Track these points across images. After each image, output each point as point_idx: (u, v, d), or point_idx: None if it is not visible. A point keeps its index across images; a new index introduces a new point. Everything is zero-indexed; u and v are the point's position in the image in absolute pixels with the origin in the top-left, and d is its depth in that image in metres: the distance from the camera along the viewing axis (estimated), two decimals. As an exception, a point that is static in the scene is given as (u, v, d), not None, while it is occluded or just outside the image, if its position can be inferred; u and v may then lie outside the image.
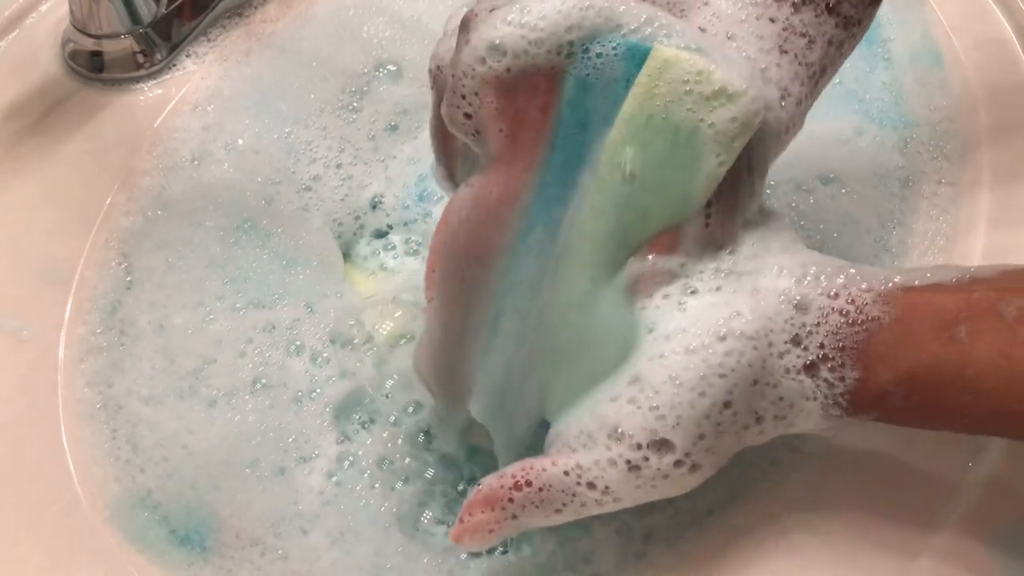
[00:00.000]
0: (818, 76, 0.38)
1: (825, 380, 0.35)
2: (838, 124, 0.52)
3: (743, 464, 0.42)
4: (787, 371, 0.35)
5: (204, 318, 0.47)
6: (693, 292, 0.35)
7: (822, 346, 0.35)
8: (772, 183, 0.51)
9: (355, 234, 0.53)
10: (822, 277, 0.35)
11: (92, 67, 0.53)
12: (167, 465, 0.43)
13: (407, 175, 0.53)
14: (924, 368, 0.34)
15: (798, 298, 0.35)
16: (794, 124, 0.38)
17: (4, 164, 0.50)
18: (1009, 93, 0.51)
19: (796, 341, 0.35)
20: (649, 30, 0.35)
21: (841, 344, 0.35)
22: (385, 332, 0.47)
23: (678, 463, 0.35)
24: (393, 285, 0.50)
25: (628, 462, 0.35)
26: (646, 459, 0.34)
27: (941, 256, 0.48)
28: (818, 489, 0.41)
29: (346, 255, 0.52)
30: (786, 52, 0.37)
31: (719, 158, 0.35)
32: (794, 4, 0.37)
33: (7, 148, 0.50)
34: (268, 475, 0.43)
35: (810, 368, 0.35)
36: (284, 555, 0.42)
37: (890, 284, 0.35)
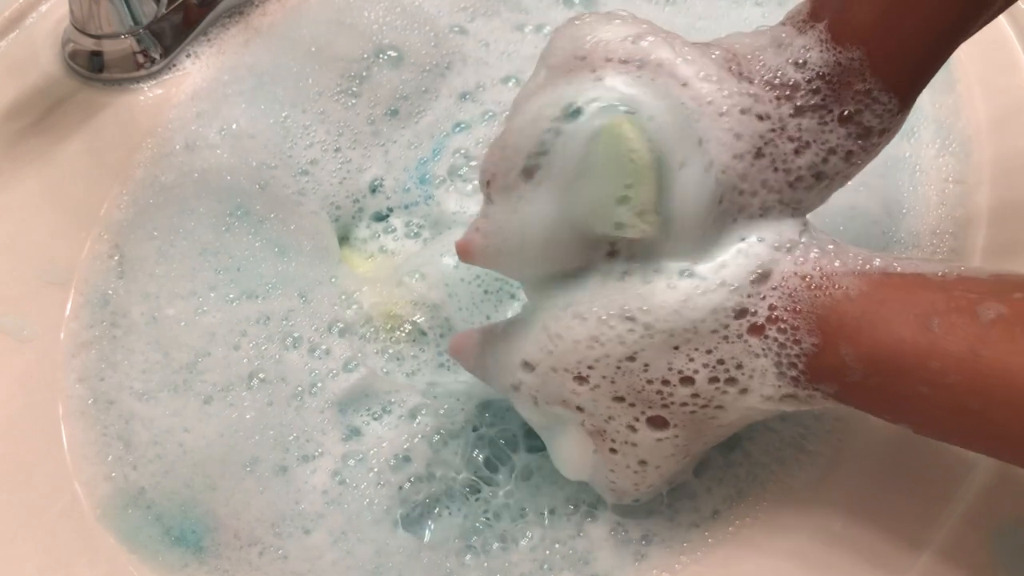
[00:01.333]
0: (811, 183, 0.37)
1: (775, 340, 0.35)
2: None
3: (749, 464, 0.42)
4: (725, 337, 0.35)
5: (197, 309, 0.47)
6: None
7: (772, 307, 0.35)
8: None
9: (354, 217, 0.52)
10: (797, 249, 0.35)
11: (92, 67, 0.53)
12: (161, 463, 0.43)
13: (407, 159, 0.53)
14: (888, 349, 0.33)
15: (760, 270, 0.35)
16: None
17: (4, 164, 0.50)
18: (1010, 93, 0.51)
19: (742, 311, 0.35)
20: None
21: (794, 306, 0.34)
22: (386, 314, 0.47)
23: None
24: (393, 267, 0.50)
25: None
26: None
27: (945, 253, 0.47)
28: (819, 489, 0.40)
29: (344, 238, 0.52)
30: (762, 156, 0.36)
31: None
32: (797, 107, 0.36)
33: (7, 148, 0.50)
34: (268, 474, 0.43)
35: (755, 330, 0.35)
36: (284, 555, 0.42)
37: (868, 265, 0.35)
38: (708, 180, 0.35)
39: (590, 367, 0.36)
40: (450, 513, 0.43)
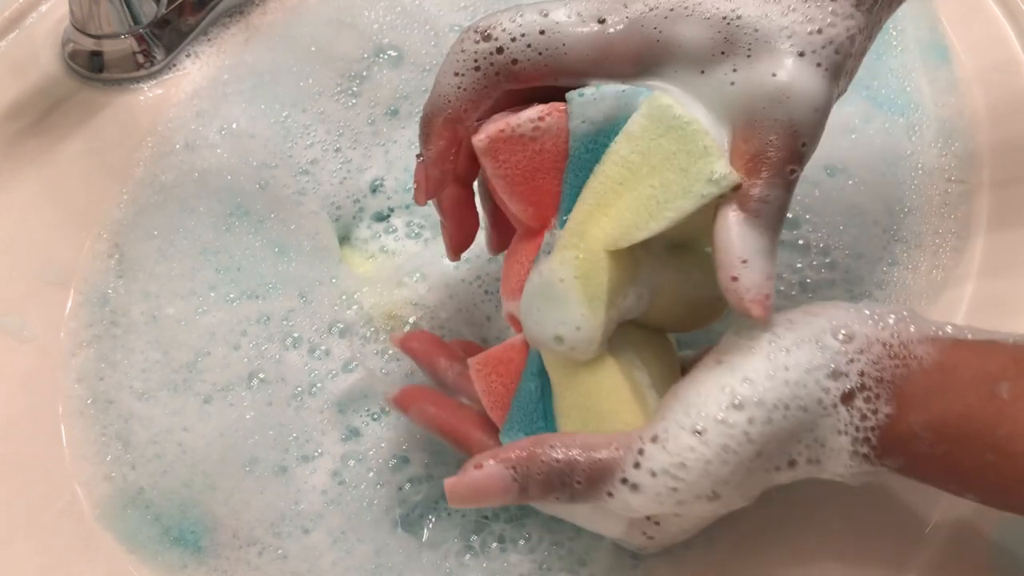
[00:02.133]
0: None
1: (859, 410, 0.34)
2: (845, 112, 0.51)
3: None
4: (824, 408, 0.34)
5: (197, 309, 0.47)
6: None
7: (862, 374, 0.34)
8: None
9: (354, 217, 0.52)
10: (874, 313, 0.35)
11: (92, 67, 0.53)
12: (160, 463, 0.43)
13: (408, 159, 0.53)
14: (956, 416, 0.33)
15: (844, 331, 0.34)
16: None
17: (4, 164, 0.50)
18: (1010, 93, 0.51)
19: (836, 374, 0.34)
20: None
21: (879, 375, 0.34)
22: (386, 314, 0.47)
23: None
24: (394, 267, 0.50)
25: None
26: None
27: (948, 252, 0.47)
28: (818, 490, 0.40)
29: (345, 238, 0.52)
30: None
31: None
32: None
33: (7, 148, 0.50)
34: (268, 474, 0.43)
35: (847, 397, 0.34)
36: (283, 555, 0.42)
37: (940, 332, 0.35)
38: None
39: (725, 481, 0.34)
40: (449, 514, 0.43)
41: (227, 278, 0.48)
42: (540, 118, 0.37)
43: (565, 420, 0.38)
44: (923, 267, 0.47)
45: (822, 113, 0.35)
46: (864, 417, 0.34)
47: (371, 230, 0.52)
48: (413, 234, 0.52)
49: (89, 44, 0.53)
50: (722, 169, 0.34)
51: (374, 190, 0.53)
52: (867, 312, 0.35)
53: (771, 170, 0.34)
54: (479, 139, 0.37)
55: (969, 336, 0.35)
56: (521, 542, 0.41)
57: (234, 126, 0.52)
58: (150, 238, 0.49)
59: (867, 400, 0.34)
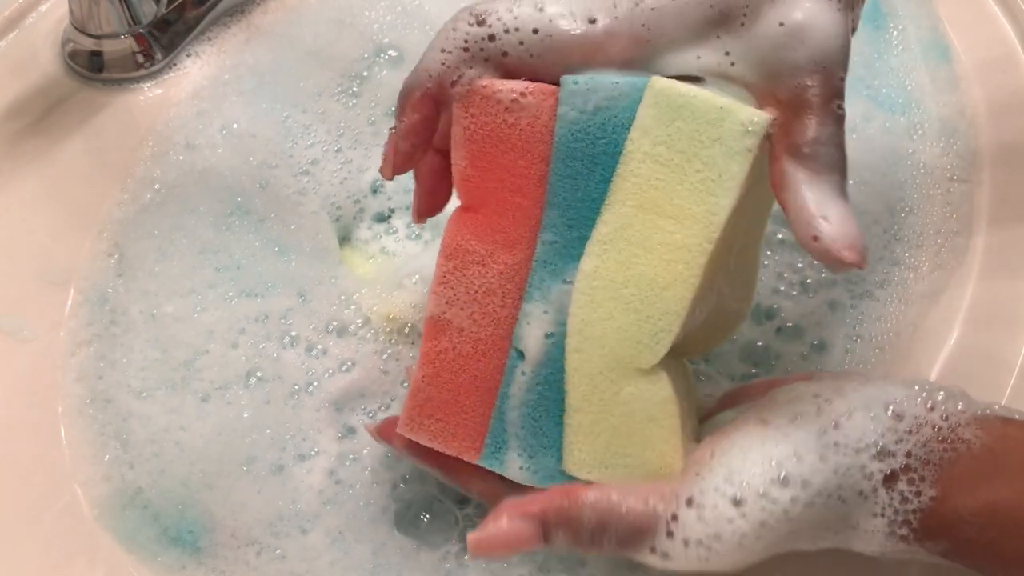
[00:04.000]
0: None
1: (900, 493, 0.33)
2: (846, 111, 0.50)
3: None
4: (865, 496, 0.33)
5: (196, 307, 0.47)
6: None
7: (909, 455, 0.33)
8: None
9: (355, 218, 0.52)
10: (924, 389, 0.34)
11: (92, 67, 0.53)
12: (158, 462, 0.43)
13: (408, 160, 0.53)
14: (1007, 503, 0.32)
15: (894, 408, 0.34)
16: None
17: (4, 164, 0.50)
18: (1011, 92, 0.50)
19: (883, 455, 0.33)
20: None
21: (927, 457, 0.33)
22: (385, 316, 0.47)
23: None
24: (393, 268, 0.50)
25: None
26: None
27: (950, 252, 0.47)
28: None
29: (346, 239, 0.52)
30: None
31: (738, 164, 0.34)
32: None
33: (7, 148, 0.50)
34: (265, 473, 0.43)
35: (890, 479, 0.33)
36: (282, 555, 0.42)
37: (988, 411, 0.34)
38: None
39: (755, 554, 0.34)
40: (446, 514, 0.42)
41: (226, 277, 0.48)
42: (522, 93, 0.36)
43: (581, 440, 0.35)
44: (925, 267, 0.47)
45: (844, 40, 0.34)
46: (905, 500, 0.33)
47: (371, 231, 0.52)
48: (413, 235, 0.52)
49: (89, 44, 0.52)
50: (748, 115, 0.33)
51: (375, 191, 0.53)
52: (917, 388, 0.34)
53: (817, 111, 0.33)
54: (462, 84, 0.36)
55: (1018, 417, 0.34)
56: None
57: (234, 126, 0.52)
58: (150, 237, 0.49)
59: (911, 483, 0.33)
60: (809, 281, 0.47)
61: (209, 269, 0.48)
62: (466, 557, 0.41)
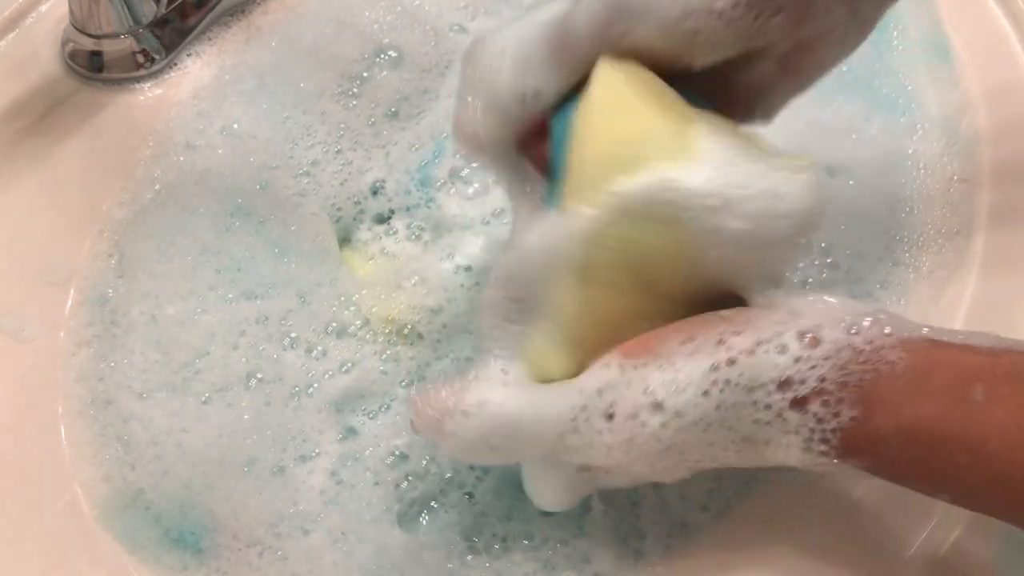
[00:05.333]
0: None
1: (815, 415, 0.33)
2: (846, 112, 0.51)
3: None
4: (765, 423, 0.34)
5: (196, 309, 0.47)
6: None
7: (823, 380, 0.33)
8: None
9: (355, 219, 0.52)
10: (847, 317, 0.34)
11: (92, 67, 0.52)
12: (160, 463, 0.43)
13: (408, 161, 0.53)
14: (927, 421, 0.32)
15: (811, 335, 0.34)
16: None
17: (4, 164, 0.49)
18: (1011, 92, 0.51)
19: (786, 384, 0.33)
20: None
21: (844, 380, 0.33)
22: (384, 317, 0.47)
23: None
24: (394, 270, 0.50)
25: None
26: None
27: (950, 252, 0.47)
28: (821, 489, 0.40)
29: (345, 240, 0.52)
30: None
31: None
32: None
33: (7, 148, 0.50)
34: (266, 474, 0.43)
35: (799, 403, 0.33)
36: (284, 556, 0.41)
37: (915, 334, 0.34)
38: None
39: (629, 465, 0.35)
40: (448, 512, 0.42)
41: (227, 278, 0.48)
42: None
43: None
44: (925, 267, 0.47)
45: None
46: (821, 420, 0.33)
47: (371, 232, 0.52)
48: (413, 236, 0.52)
49: (89, 44, 0.52)
50: None
51: (375, 192, 0.53)
52: (840, 314, 0.34)
53: None
54: None
55: (945, 339, 0.34)
56: (524, 541, 0.41)
57: (235, 126, 0.52)
58: (150, 238, 0.49)
59: (825, 404, 0.33)
60: (810, 281, 0.47)
61: (209, 270, 0.48)
62: (469, 557, 0.41)
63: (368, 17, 0.55)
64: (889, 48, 0.54)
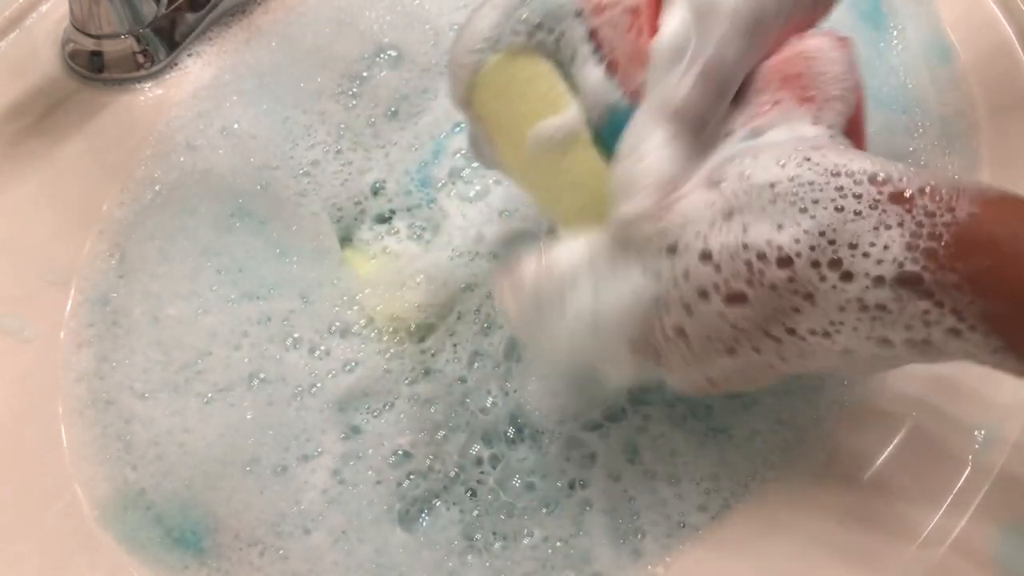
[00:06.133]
0: None
1: (923, 208, 0.29)
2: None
3: (747, 462, 0.41)
4: (857, 197, 0.30)
5: (198, 309, 0.47)
6: None
7: (929, 182, 0.30)
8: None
9: (355, 219, 0.52)
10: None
11: (92, 67, 0.52)
12: (161, 463, 0.43)
13: (408, 161, 0.53)
14: None
15: (882, 175, 0.30)
16: None
17: (4, 164, 0.49)
18: (1011, 92, 0.51)
19: (883, 180, 0.30)
20: None
21: (953, 183, 0.30)
22: (388, 316, 0.47)
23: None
24: (396, 269, 0.50)
25: None
26: None
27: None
28: (819, 488, 0.40)
29: (346, 240, 0.52)
30: None
31: None
32: None
33: (7, 148, 0.50)
34: (268, 474, 0.43)
35: (898, 197, 0.29)
36: (285, 555, 0.42)
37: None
38: None
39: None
40: (449, 511, 0.42)
41: (228, 279, 0.48)
42: None
43: None
44: (926, 265, 0.47)
45: None
46: (931, 214, 0.29)
47: (373, 232, 0.52)
48: (415, 236, 0.52)
49: (89, 44, 0.52)
50: None
51: (375, 192, 0.53)
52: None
53: None
54: None
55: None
56: (524, 540, 0.41)
57: (235, 126, 0.52)
58: (151, 238, 0.49)
59: (935, 198, 0.29)
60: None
61: (211, 271, 0.48)
62: (469, 556, 0.41)
63: (368, 17, 0.55)
64: (889, 47, 0.54)
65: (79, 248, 0.48)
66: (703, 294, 0.33)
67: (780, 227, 0.31)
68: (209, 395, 0.45)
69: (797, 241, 0.30)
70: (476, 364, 0.45)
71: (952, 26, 0.53)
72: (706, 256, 0.32)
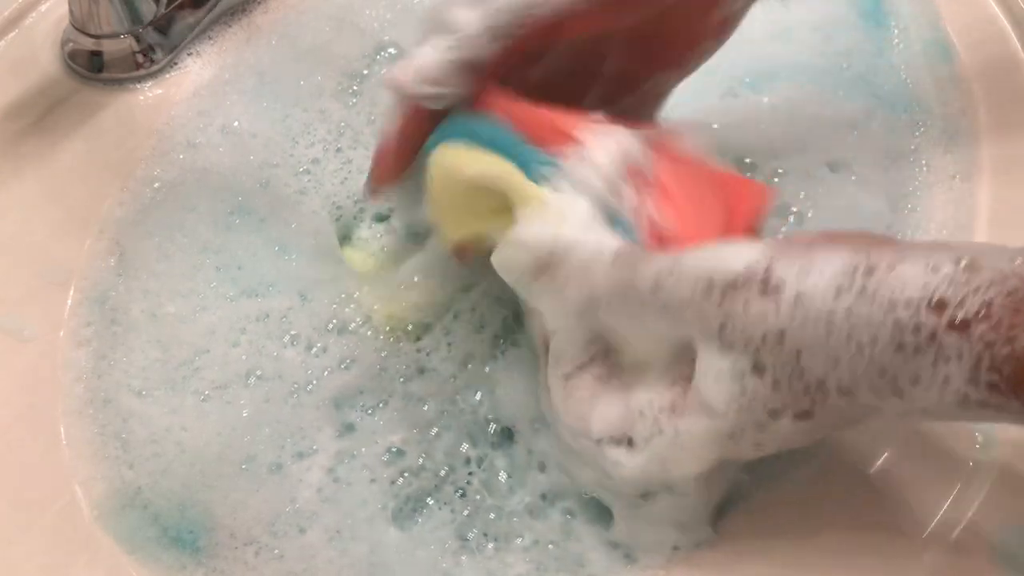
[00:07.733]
0: None
1: (981, 338, 0.28)
2: (847, 108, 0.51)
3: (742, 465, 0.41)
4: (916, 330, 0.29)
5: (197, 307, 0.47)
6: None
7: (989, 303, 0.28)
8: (780, 171, 0.50)
9: (355, 218, 0.52)
10: (1009, 250, 0.29)
11: (92, 67, 0.53)
12: (159, 462, 0.43)
13: (407, 161, 0.53)
14: None
15: (966, 260, 0.29)
16: None
17: (4, 164, 0.50)
18: (1011, 91, 0.51)
19: (940, 305, 0.28)
20: None
21: (1017, 306, 0.28)
22: (387, 314, 0.47)
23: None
24: (396, 267, 0.49)
25: None
26: None
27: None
28: (815, 491, 0.40)
29: (346, 238, 0.52)
30: None
31: None
32: None
33: (7, 148, 0.50)
34: (264, 472, 0.43)
35: (957, 327, 0.28)
36: (280, 554, 0.42)
37: None
38: None
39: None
40: (441, 510, 0.42)
41: (227, 276, 0.48)
42: None
43: None
44: (926, 265, 0.47)
45: None
46: (990, 344, 0.28)
47: (372, 230, 0.52)
48: (414, 235, 0.52)
49: (89, 44, 0.53)
50: None
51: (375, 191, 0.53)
52: (1001, 248, 0.30)
53: None
54: None
55: None
56: (518, 541, 0.41)
57: (235, 125, 0.52)
58: (150, 237, 0.49)
59: (995, 328, 0.28)
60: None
61: (210, 268, 0.48)
62: (463, 557, 0.41)
63: (368, 15, 0.56)
64: (890, 46, 0.53)
65: (79, 247, 0.48)
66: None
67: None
68: (206, 392, 0.45)
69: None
70: (470, 364, 0.45)
71: (953, 25, 0.53)
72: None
